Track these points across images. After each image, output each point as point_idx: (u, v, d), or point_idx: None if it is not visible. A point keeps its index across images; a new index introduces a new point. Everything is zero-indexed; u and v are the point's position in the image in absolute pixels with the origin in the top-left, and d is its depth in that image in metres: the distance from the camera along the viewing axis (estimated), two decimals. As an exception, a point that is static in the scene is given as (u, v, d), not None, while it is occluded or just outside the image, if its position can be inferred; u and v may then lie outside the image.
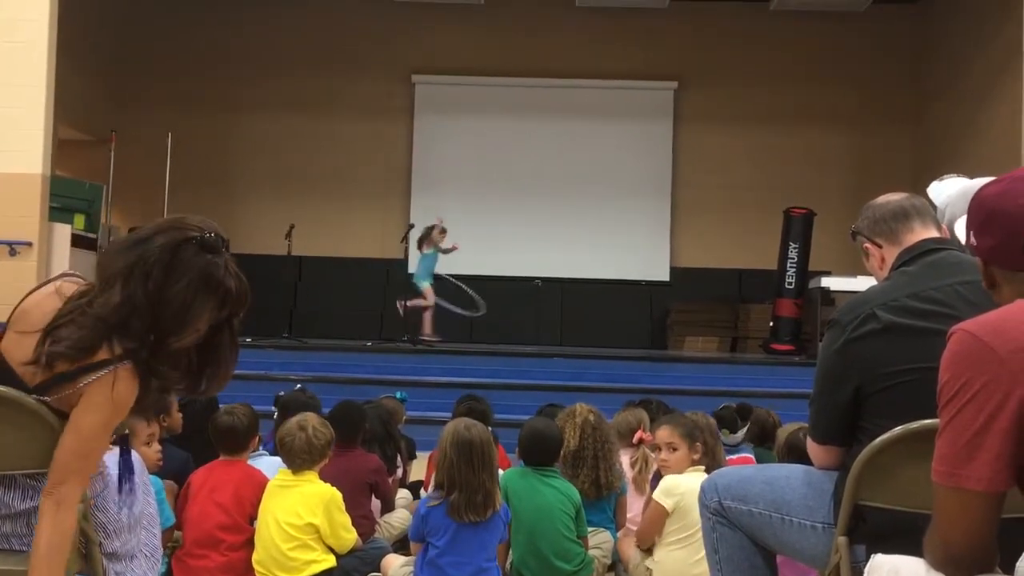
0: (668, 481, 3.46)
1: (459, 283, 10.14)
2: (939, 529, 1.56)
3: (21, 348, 2.06)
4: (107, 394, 2.02)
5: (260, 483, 3.56)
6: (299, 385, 5.57)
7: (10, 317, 2.13)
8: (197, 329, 2.11)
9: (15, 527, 2.18)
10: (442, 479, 3.25)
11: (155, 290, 2.04)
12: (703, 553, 3.17)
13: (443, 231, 9.75)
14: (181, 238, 2.08)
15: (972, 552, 1.52)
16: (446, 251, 9.76)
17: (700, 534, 3.23)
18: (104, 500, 2.28)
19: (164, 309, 2.05)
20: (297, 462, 3.49)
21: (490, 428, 4.85)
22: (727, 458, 3.97)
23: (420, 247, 9.75)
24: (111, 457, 2.34)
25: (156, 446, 3.70)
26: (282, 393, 4.89)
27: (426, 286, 9.65)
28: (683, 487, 3.38)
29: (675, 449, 3.55)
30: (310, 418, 3.58)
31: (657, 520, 3.44)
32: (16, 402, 2.10)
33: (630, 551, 3.72)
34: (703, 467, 3.52)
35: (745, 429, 4.87)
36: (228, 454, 3.65)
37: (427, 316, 9.65)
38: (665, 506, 3.41)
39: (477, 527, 3.19)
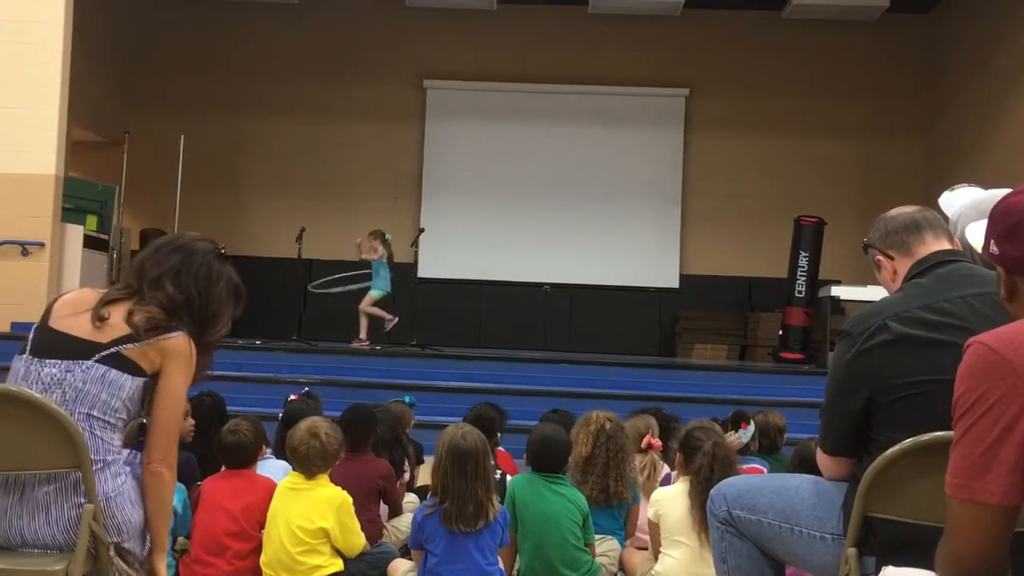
0: (653, 494, 3.60)
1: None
2: (951, 542, 1.54)
3: (82, 323, 2.31)
4: (188, 350, 2.33)
5: (269, 490, 3.55)
6: (306, 388, 5.58)
7: (49, 313, 2.38)
8: (226, 324, 2.48)
9: (30, 521, 2.19)
10: (437, 486, 3.24)
11: (204, 290, 2.41)
12: (702, 553, 3.22)
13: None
14: (212, 248, 2.48)
15: (984, 566, 1.51)
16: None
17: (684, 535, 3.31)
18: (123, 499, 2.29)
19: (208, 305, 2.42)
20: (313, 469, 3.49)
21: (499, 434, 4.89)
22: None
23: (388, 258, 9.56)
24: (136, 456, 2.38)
25: (190, 419, 3.88)
26: (292, 397, 4.90)
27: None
28: (658, 495, 3.51)
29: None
30: (320, 424, 3.56)
31: (652, 530, 3.55)
32: (30, 403, 2.17)
33: (635, 560, 3.74)
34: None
35: (751, 436, 4.85)
36: (234, 468, 3.65)
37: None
38: (649, 516, 3.53)
39: (471, 534, 3.18)
